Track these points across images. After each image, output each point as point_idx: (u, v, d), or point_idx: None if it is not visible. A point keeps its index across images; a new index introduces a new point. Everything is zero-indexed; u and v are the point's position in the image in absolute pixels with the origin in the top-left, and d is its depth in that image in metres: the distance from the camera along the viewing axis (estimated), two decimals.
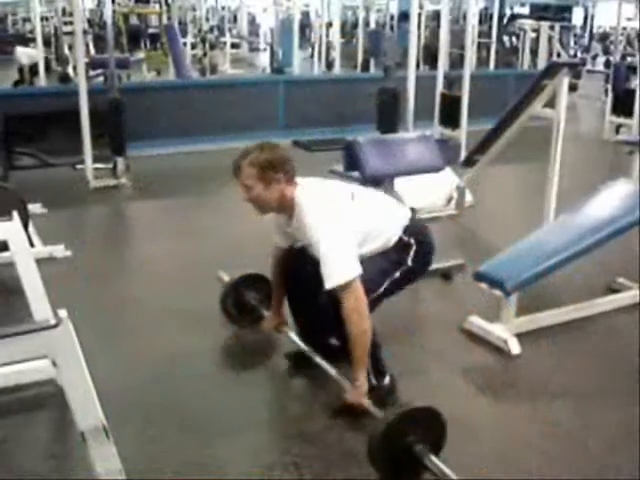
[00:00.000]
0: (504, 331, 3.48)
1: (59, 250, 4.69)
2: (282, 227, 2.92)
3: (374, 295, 2.74)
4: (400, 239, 2.83)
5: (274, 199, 2.73)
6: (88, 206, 6.09)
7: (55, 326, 1.81)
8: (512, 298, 3.48)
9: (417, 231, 2.91)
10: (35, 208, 5.39)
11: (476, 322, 3.61)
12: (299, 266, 2.99)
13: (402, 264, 2.84)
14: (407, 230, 2.86)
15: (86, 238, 5.31)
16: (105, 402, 1.83)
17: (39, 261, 3.24)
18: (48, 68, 11.60)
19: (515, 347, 3.41)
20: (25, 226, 4.28)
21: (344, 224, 2.66)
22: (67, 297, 2.71)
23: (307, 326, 3.18)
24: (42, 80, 10.55)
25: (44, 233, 4.84)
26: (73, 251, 4.70)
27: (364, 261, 2.69)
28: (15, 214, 3.15)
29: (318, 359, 3.01)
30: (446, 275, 4.35)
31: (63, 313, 1.86)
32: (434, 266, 4.33)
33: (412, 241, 2.85)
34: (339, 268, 2.57)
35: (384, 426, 2.37)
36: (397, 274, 2.83)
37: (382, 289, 2.80)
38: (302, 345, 3.13)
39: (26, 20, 18.38)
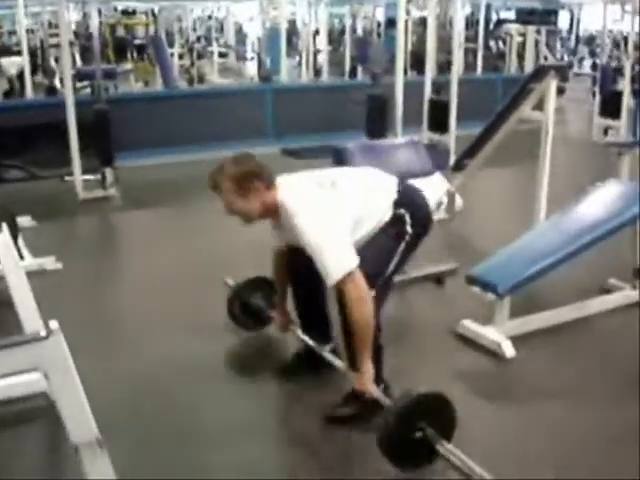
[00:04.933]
0: (497, 334, 3.47)
1: (50, 262, 4.66)
2: (276, 229, 2.92)
3: (386, 276, 2.78)
4: (393, 214, 2.82)
5: (256, 209, 2.74)
6: (78, 218, 6.07)
7: (46, 337, 1.79)
8: (505, 301, 3.47)
9: (408, 201, 2.88)
10: (24, 221, 5.35)
11: (469, 326, 3.60)
12: (299, 264, 2.97)
13: (403, 236, 2.81)
14: (398, 203, 2.84)
15: (77, 250, 5.27)
16: (99, 414, 1.80)
17: (29, 274, 3.21)
18: (34, 81, 11.52)
19: (509, 350, 3.40)
20: (14, 239, 4.26)
21: (331, 216, 2.65)
22: (58, 309, 2.66)
23: (311, 321, 3.21)
24: (29, 93, 10.51)
25: (34, 246, 4.80)
26: (64, 263, 4.67)
27: (364, 245, 2.72)
28: (4, 227, 3.13)
29: (325, 353, 3.03)
30: (438, 279, 4.34)
31: (54, 324, 1.84)
32: (426, 271, 4.39)
33: (405, 212, 2.82)
34: (334, 264, 2.55)
35: (396, 410, 2.40)
36: (401, 247, 2.81)
37: (391, 267, 2.80)
38: (309, 341, 3.15)
39: (12, 33, 18.26)
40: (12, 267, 3.01)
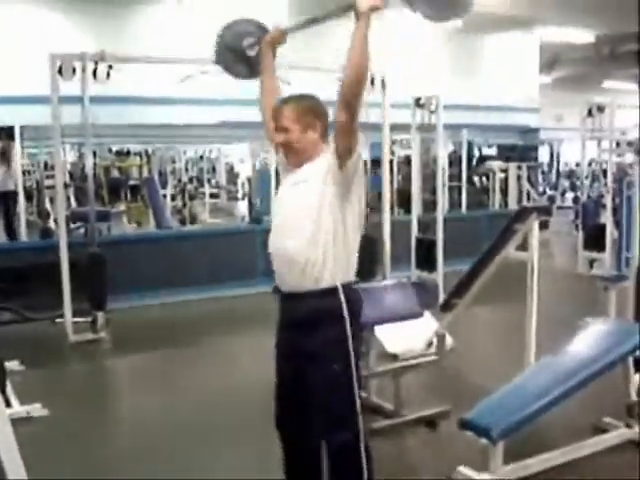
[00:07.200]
0: None
1: (36, 409, 4.58)
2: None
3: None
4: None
5: (307, 144, 2.74)
6: (67, 362, 6.02)
7: None
8: (499, 446, 3.42)
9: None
10: (13, 365, 5.31)
11: (464, 472, 3.52)
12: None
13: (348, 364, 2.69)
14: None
15: (64, 396, 5.17)
16: None
17: (16, 421, 3.17)
18: (29, 221, 11.70)
19: None
20: (2, 386, 4.23)
21: None
22: (44, 461, 2.63)
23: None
24: (23, 234, 10.67)
25: (21, 391, 4.73)
26: (51, 410, 4.60)
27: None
28: None
29: None
30: (431, 423, 4.28)
31: None
32: (418, 414, 4.33)
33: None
34: None
35: None
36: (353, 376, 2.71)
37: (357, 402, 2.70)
38: None
39: None
40: None
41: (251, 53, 3.26)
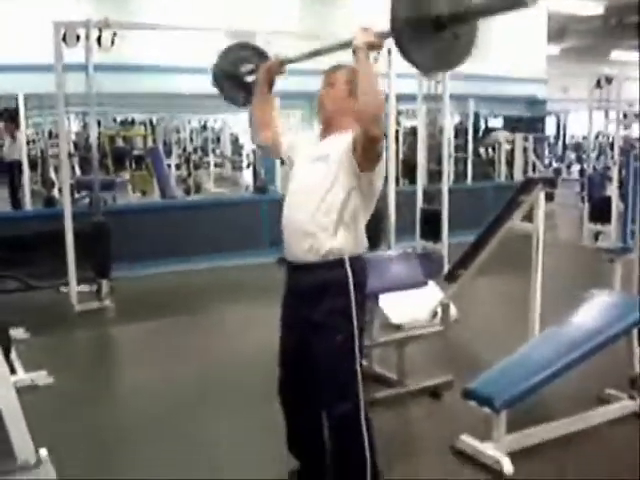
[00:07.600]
0: (496, 450, 3.41)
1: (42, 377, 4.60)
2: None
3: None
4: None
5: (345, 108, 2.77)
6: (72, 330, 6.03)
7: (35, 466, 1.77)
8: (502, 415, 3.43)
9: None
10: (18, 333, 5.34)
11: (467, 441, 3.54)
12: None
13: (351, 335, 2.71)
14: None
15: (69, 364, 5.19)
16: None
17: (21, 389, 3.19)
18: (33, 190, 11.67)
19: (507, 466, 3.33)
20: (7, 353, 4.25)
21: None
22: (49, 428, 2.63)
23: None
24: (27, 203, 10.68)
25: (26, 359, 4.75)
26: (56, 378, 4.61)
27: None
28: None
29: None
30: (435, 393, 4.30)
31: (44, 452, 1.83)
32: (422, 384, 4.35)
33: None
34: None
35: None
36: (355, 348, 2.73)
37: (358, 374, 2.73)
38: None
39: None
40: (3, 386, 2.98)
41: (249, 80, 3.26)
